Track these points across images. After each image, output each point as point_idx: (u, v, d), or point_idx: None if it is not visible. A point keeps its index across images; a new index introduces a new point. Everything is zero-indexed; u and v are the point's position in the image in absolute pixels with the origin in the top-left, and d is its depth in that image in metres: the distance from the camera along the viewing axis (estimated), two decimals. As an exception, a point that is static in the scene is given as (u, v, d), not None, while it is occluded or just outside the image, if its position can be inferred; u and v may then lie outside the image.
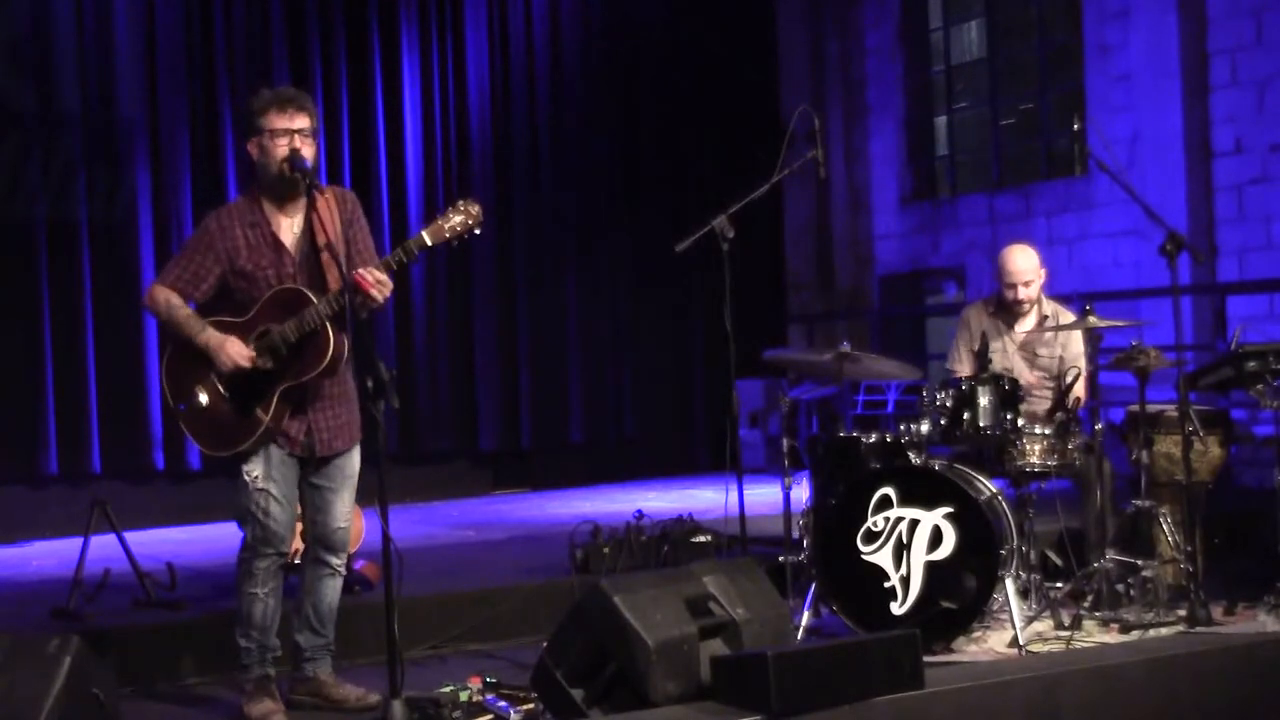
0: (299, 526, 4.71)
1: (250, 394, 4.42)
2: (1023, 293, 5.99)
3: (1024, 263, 6.00)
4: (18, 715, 3.52)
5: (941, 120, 11.87)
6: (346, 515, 4.65)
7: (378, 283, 4.32)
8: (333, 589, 4.66)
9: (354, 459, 4.65)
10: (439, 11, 9.94)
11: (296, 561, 4.89)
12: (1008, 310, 6.08)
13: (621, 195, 10.76)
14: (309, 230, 4.48)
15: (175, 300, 4.49)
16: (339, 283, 4.35)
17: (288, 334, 4.37)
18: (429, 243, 4.39)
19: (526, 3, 10.36)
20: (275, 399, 4.42)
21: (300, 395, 4.47)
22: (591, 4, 10.69)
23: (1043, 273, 6.08)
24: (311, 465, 4.56)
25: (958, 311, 6.54)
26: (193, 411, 4.47)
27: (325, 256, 4.43)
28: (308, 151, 4.41)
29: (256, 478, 4.45)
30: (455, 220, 4.40)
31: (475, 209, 4.43)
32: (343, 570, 4.71)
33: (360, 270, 4.32)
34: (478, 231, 4.45)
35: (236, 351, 4.38)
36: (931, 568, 5.02)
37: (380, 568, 4.22)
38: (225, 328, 4.43)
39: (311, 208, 4.47)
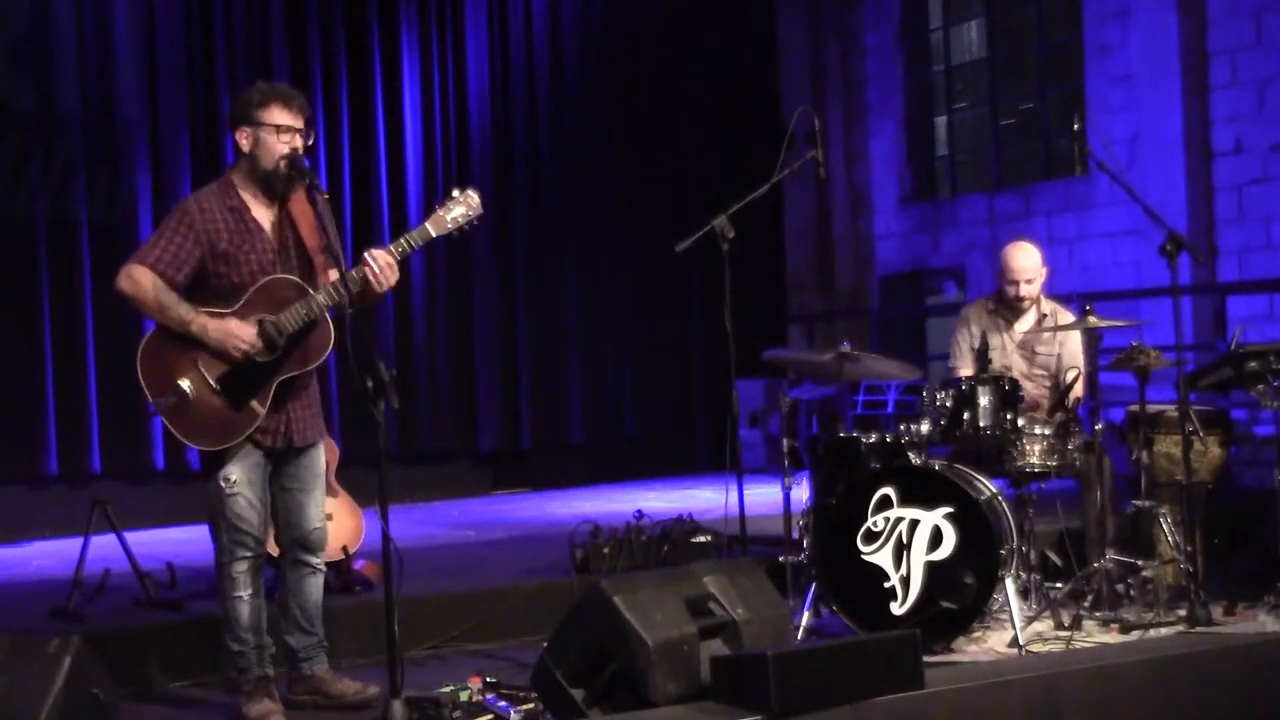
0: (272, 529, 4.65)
1: (244, 386, 4.33)
2: (1024, 290, 5.99)
3: (1025, 260, 6.01)
4: (18, 715, 3.52)
5: (941, 120, 11.87)
6: (321, 515, 4.61)
7: (388, 265, 4.31)
8: (316, 587, 4.63)
9: (321, 456, 4.62)
10: (439, 11, 9.94)
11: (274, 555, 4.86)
12: (1008, 308, 6.08)
13: (621, 195, 10.75)
14: (288, 224, 4.45)
15: (160, 283, 4.34)
16: (327, 277, 4.35)
17: (284, 325, 4.31)
18: (433, 234, 4.40)
19: (526, 3, 10.36)
20: (272, 391, 4.36)
21: (287, 387, 4.42)
22: (591, 4, 10.69)
23: (1044, 271, 6.08)
24: (284, 462, 4.51)
25: (958, 311, 6.55)
26: (177, 403, 4.33)
27: (318, 254, 4.41)
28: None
29: (235, 482, 4.38)
30: (457, 211, 4.41)
31: (474, 199, 4.43)
32: (323, 567, 4.67)
33: (371, 251, 4.30)
34: (477, 222, 4.45)
35: (238, 330, 4.29)
36: (931, 568, 5.02)
37: (380, 568, 4.22)
38: (215, 319, 4.34)
39: (287, 203, 4.44)
